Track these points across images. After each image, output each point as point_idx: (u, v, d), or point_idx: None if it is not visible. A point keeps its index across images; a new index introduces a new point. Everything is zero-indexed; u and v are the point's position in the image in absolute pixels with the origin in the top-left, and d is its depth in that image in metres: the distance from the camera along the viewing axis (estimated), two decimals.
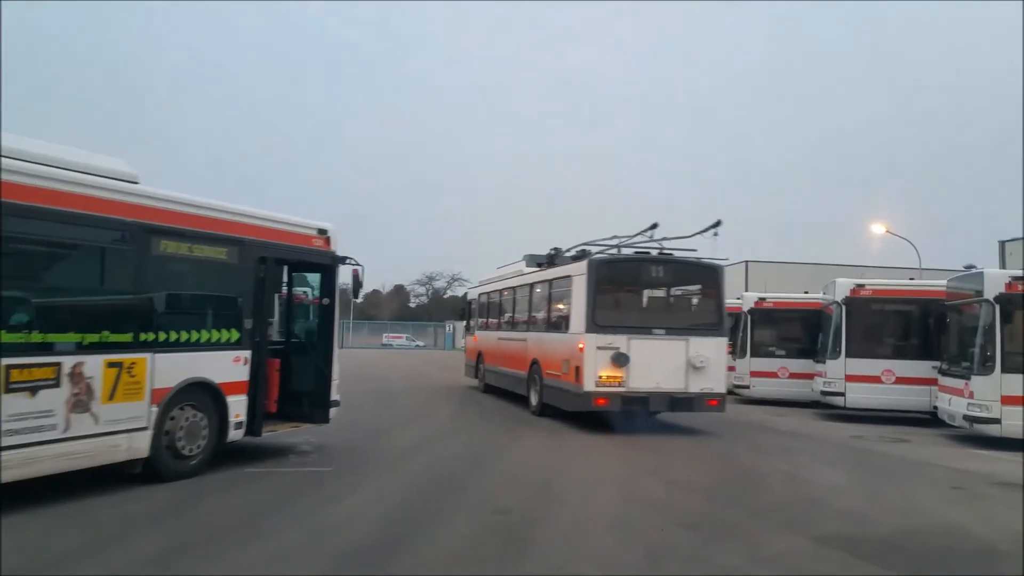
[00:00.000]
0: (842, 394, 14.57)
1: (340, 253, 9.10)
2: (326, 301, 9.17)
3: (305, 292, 11.18)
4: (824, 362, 15.26)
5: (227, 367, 7.65)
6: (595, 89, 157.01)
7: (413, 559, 5.11)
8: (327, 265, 9.06)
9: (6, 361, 5.53)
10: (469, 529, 5.90)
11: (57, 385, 5.91)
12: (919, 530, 6.35)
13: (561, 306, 12.93)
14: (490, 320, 18.36)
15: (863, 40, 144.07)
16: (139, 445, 6.67)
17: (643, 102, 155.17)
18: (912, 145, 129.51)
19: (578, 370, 11.39)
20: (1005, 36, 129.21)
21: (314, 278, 9.71)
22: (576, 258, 12.97)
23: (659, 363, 11.29)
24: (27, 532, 5.31)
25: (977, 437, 11.65)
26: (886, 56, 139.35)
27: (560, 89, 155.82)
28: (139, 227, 6.71)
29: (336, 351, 9.03)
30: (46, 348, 5.94)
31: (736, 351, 18.27)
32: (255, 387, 7.96)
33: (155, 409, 6.80)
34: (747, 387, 18.19)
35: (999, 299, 11.30)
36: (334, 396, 8.95)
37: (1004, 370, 11.07)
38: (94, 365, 6.22)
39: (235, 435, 7.77)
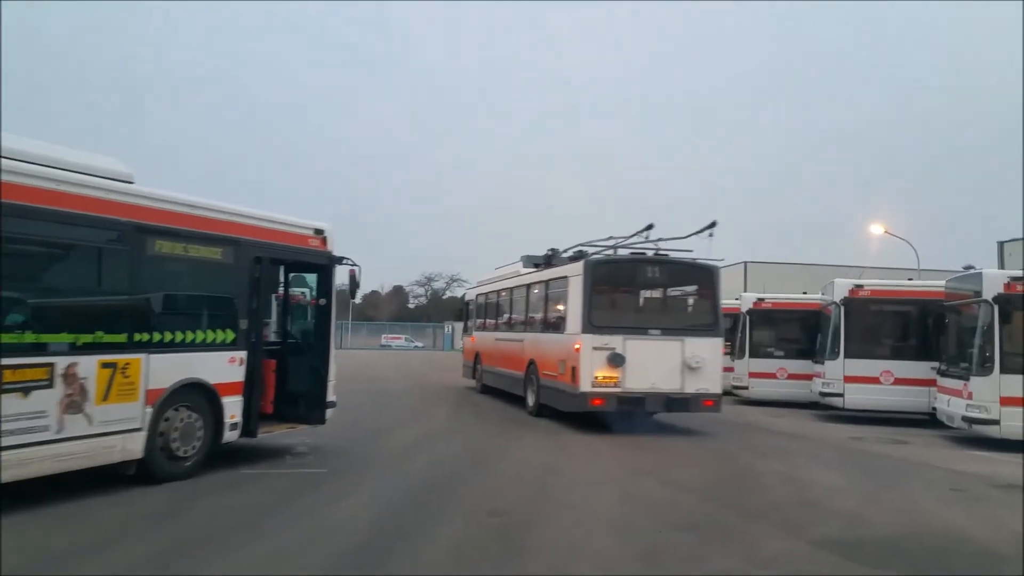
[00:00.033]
0: (841, 395, 14.54)
1: (337, 253, 9.07)
2: (323, 301, 9.13)
3: (303, 293, 11.16)
4: (823, 363, 15.24)
5: (222, 368, 7.61)
6: (595, 89, 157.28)
7: (411, 560, 5.08)
8: (324, 265, 9.02)
9: None
10: (466, 531, 5.86)
11: (50, 386, 5.87)
12: (917, 532, 6.32)
13: (557, 307, 12.91)
14: (487, 321, 18.34)
15: (863, 40, 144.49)
16: (133, 446, 6.63)
17: (643, 102, 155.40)
18: (912, 145, 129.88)
19: (574, 370, 11.38)
20: (1005, 36, 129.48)
21: (311, 278, 9.68)
22: (572, 259, 12.96)
23: (655, 364, 11.29)
24: (27, 532, 5.30)
25: (976, 438, 11.62)
26: (886, 56, 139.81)
27: (560, 89, 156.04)
28: (133, 227, 6.67)
29: (333, 352, 8.99)
30: (39, 348, 5.90)
31: (735, 352, 18.27)
32: (251, 388, 7.92)
33: (149, 410, 6.76)
34: (746, 388, 18.16)
35: (998, 299, 11.28)
36: (330, 397, 8.91)
37: (1003, 371, 11.04)
38: (88, 366, 6.18)
39: (230, 436, 7.73)
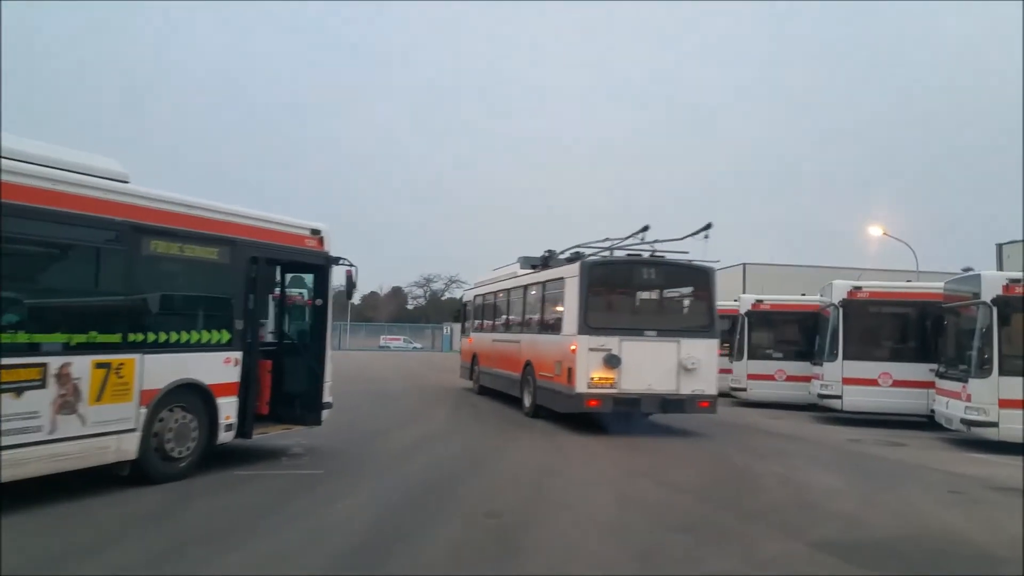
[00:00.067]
0: (839, 397, 14.51)
1: (334, 253, 9.04)
2: (319, 302, 9.08)
3: (299, 293, 11.13)
4: (821, 365, 15.23)
5: (217, 368, 7.57)
6: (596, 89, 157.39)
7: (409, 561, 5.06)
8: (320, 266, 8.99)
9: None
10: (464, 532, 5.84)
11: (43, 386, 5.84)
12: (916, 534, 6.29)
13: (554, 308, 12.91)
14: (484, 322, 18.32)
15: (863, 40, 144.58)
16: (127, 447, 6.59)
17: (643, 102, 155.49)
18: (912, 145, 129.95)
19: (570, 372, 11.37)
20: (1005, 36, 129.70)
21: (308, 279, 9.65)
22: (569, 260, 12.95)
23: (651, 365, 11.29)
24: (27, 532, 5.29)
25: (975, 441, 11.60)
26: (886, 56, 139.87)
27: (560, 89, 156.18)
28: (129, 227, 6.64)
29: (329, 352, 8.96)
30: (32, 348, 5.87)
31: (733, 353, 18.25)
32: (246, 388, 7.89)
33: (144, 411, 6.72)
34: (744, 390, 18.12)
35: (996, 301, 11.27)
36: (326, 398, 8.88)
37: (1002, 373, 11.03)
38: (81, 366, 6.14)
39: (225, 437, 7.70)
